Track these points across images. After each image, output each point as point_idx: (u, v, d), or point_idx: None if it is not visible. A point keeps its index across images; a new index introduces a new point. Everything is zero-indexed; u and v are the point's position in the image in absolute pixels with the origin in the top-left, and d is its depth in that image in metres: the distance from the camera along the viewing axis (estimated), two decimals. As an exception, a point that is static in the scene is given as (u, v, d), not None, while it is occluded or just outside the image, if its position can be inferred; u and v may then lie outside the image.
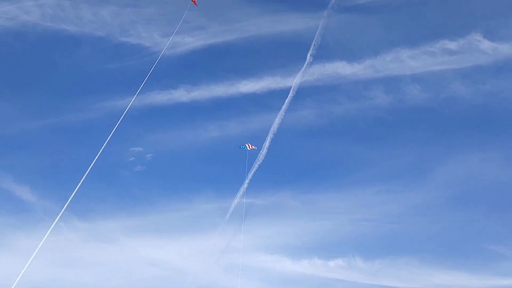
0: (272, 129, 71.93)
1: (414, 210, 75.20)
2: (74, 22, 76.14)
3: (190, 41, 79.24)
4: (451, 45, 77.23)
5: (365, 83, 79.48)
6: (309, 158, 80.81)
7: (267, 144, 71.01)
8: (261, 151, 70.48)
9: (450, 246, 72.35)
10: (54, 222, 24.96)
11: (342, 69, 78.24)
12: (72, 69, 79.45)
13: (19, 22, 74.02)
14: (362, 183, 76.92)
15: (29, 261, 22.84)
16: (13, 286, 22.15)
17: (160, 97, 77.21)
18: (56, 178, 73.97)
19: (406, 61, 78.15)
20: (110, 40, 78.47)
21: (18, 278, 22.29)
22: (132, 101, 36.61)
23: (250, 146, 63.14)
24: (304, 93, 77.96)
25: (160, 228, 71.96)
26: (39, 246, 23.67)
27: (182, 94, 77.60)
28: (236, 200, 68.53)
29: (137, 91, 38.44)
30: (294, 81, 74.85)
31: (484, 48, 75.93)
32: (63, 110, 77.16)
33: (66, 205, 26.03)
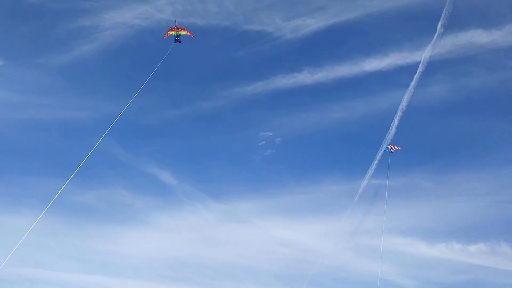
0: (400, 107, 68.59)
1: None
2: (201, 15, 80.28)
3: (312, 23, 78.83)
4: None
5: (507, 51, 72.20)
6: (443, 136, 76.10)
7: (395, 123, 67.97)
8: (389, 130, 67.92)
9: None
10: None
11: (478, 37, 71.78)
12: (202, 59, 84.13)
13: (154, 21, 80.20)
14: (506, 162, 70.79)
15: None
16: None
17: (284, 81, 78.39)
18: (193, 163, 79.84)
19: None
20: (235, 29, 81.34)
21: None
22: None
23: (393, 147, 61.60)
24: (435, 67, 73.33)
25: (290, 209, 73.78)
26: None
27: (306, 77, 77.79)
28: (365, 182, 67.08)
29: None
30: (423, 55, 70.30)
31: None
32: (196, 99, 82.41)
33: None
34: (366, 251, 68.56)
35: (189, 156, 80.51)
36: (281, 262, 68.81)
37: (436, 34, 70.00)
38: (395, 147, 62.12)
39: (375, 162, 67.00)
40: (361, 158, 73.44)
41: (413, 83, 69.39)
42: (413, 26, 77.55)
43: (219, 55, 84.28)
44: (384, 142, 67.44)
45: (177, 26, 51.99)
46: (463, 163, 72.60)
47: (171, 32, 51.86)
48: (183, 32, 52.05)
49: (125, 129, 78.47)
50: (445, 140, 75.81)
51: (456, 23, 71.70)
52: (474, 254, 65.22)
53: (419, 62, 70.21)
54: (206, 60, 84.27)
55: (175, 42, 52.29)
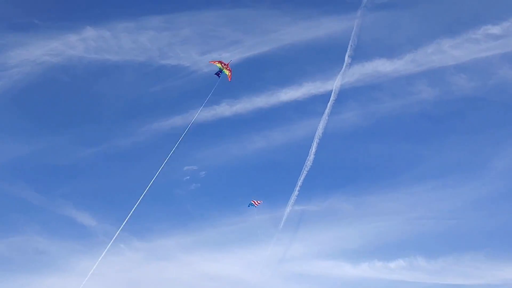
0: (317, 134, 71.73)
1: (474, 204, 72.90)
2: (116, 51, 79.33)
3: (227, 56, 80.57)
4: (495, 29, 74.65)
5: (408, 78, 78.08)
6: (358, 160, 79.95)
7: (313, 149, 70.83)
8: (308, 157, 70.37)
9: (517, 238, 69.24)
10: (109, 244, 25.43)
11: (382, 66, 77.22)
12: (117, 96, 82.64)
13: (65, 57, 77.94)
14: (416, 181, 75.50)
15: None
16: None
17: (203, 114, 78.73)
18: (112, 202, 76.82)
19: (449, 51, 76.26)
20: (150, 64, 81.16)
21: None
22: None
23: (256, 202, 63.01)
24: (346, 95, 77.48)
25: (216, 242, 72.97)
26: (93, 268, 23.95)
27: (225, 109, 78.73)
28: (288, 209, 68.52)
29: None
30: (334, 84, 74.50)
31: (531, 29, 73.12)
32: (112, 136, 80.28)
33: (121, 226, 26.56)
34: (295, 277, 69.57)
35: (108, 195, 77.51)
36: (210, 296, 67.60)
37: (345, 64, 74.75)
38: (258, 202, 63.43)
39: (297, 188, 68.99)
40: (283, 185, 75.15)
41: (327, 110, 73.12)
42: (324, 57, 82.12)
43: (136, 90, 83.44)
44: (304, 169, 69.82)
45: (229, 65, 53.28)
46: (378, 185, 76.41)
47: (218, 65, 52.88)
48: (227, 72, 53.07)
49: (36, 171, 74.43)
50: (360, 163, 79.58)
51: (361, 54, 76.91)
52: (395, 270, 68.30)
53: (331, 91, 74.30)
54: (122, 96, 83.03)
55: (215, 74, 53.24)
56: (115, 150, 79.44)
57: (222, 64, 53.13)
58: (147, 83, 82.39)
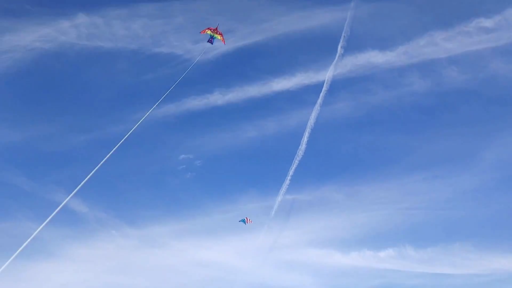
0: (309, 124, 72.12)
1: (464, 194, 74.02)
2: (108, 38, 78.71)
3: (221, 45, 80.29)
4: (487, 22, 75.16)
5: (400, 70, 78.61)
6: (350, 150, 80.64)
7: (305, 139, 71.23)
8: (300, 146, 70.79)
9: (506, 228, 70.39)
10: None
11: (374, 58, 77.60)
12: (110, 83, 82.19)
13: (57, 44, 77.22)
14: (407, 171, 76.39)
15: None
16: None
17: (196, 103, 78.78)
18: (105, 189, 76.72)
19: (441, 44, 76.79)
20: (143, 52, 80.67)
21: None
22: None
23: (248, 220, 63.27)
24: (338, 86, 77.85)
25: (208, 230, 73.42)
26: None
27: (218, 98, 78.78)
28: (279, 197, 69.02)
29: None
30: (327, 75, 74.82)
31: (522, 22, 73.74)
32: (105, 123, 79.77)
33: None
34: (285, 265, 70.25)
35: (100, 182, 77.07)
36: (202, 283, 68.00)
37: (337, 55, 75.03)
38: (250, 220, 63.51)
39: (288, 178, 69.44)
40: (275, 175, 75.59)
41: (319, 101, 73.43)
42: (317, 48, 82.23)
43: (128, 78, 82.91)
44: (296, 158, 70.24)
45: (218, 29, 53.04)
46: (369, 175, 77.32)
47: (209, 32, 52.85)
48: (218, 37, 53.07)
49: (28, 157, 74.04)
50: (352, 153, 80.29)
51: (354, 45, 77.13)
52: (384, 260, 69.26)
53: (324, 81, 74.64)
54: (114, 83, 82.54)
55: (207, 41, 53.29)
56: (108, 138, 78.96)
57: (212, 30, 53.14)
58: (139, 71, 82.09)
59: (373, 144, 79.62)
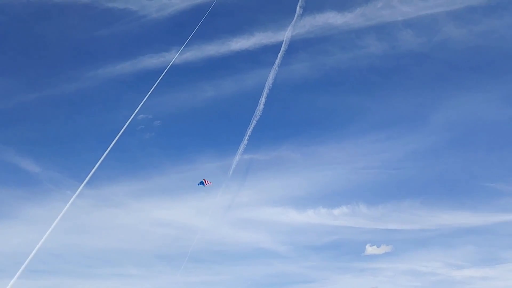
0: (267, 84, 72.15)
1: (414, 155, 76.92)
2: (58, -10, 74.90)
3: (177, 2, 78.29)
4: (442, -14, 76.43)
5: (357, 32, 79.04)
6: (307, 111, 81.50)
7: (263, 99, 71.39)
8: (258, 107, 71.03)
9: (451, 186, 74.35)
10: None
11: (333, 19, 77.66)
12: (60, 39, 78.77)
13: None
14: (361, 132, 78.26)
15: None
16: (31, 256, 22.12)
17: (153, 61, 76.95)
18: (58, 148, 74.84)
19: (398, 7, 77.66)
20: (96, 6, 77.41)
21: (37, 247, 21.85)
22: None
23: (206, 182, 63.62)
24: (296, 46, 77.82)
25: (166, 190, 73.56)
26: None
27: (175, 56, 77.04)
28: (237, 157, 69.59)
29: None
30: (285, 35, 74.49)
31: (475, -13, 75.43)
32: (57, 81, 77.08)
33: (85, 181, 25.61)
34: (242, 223, 71.77)
35: (53, 141, 75.37)
36: (160, 242, 68.78)
37: (296, 15, 74.64)
38: (209, 182, 64.11)
39: (246, 138, 69.93)
40: (232, 134, 75.98)
41: (278, 61, 73.33)
42: (276, 7, 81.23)
43: (80, 34, 79.75)
44: (254, 118, 70.59)
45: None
46: (325, 135, 78.92)
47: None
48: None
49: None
50: (309, 114, 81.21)
51: (313, 5, 76.82)
52: (338, 217, 72.02)
53: (282, 42, 74.35)
54: (66, 39, 79.19)
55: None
56: (60, 96, 76.73)
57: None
58: (92, 27, 78.90)
59: (330, 105, 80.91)
